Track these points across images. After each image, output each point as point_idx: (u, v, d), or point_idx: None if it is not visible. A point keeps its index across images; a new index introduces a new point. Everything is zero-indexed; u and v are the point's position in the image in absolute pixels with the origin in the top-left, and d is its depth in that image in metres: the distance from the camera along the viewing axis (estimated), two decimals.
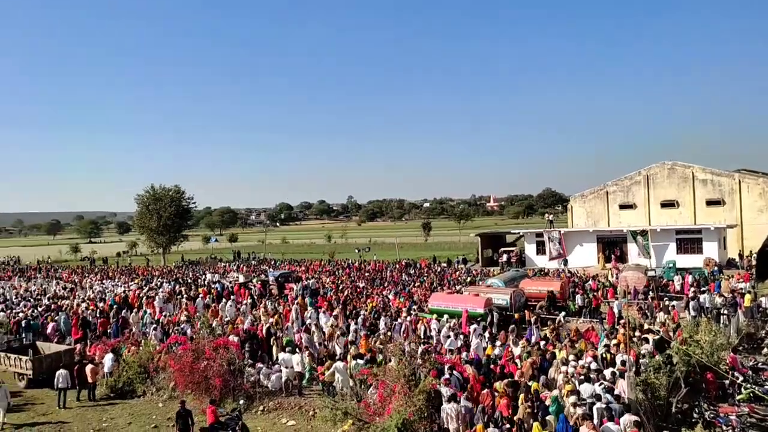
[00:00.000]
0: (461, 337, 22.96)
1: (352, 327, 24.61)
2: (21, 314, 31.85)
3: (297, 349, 21.41)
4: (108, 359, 22.32)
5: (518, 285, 31.75)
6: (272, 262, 68.26)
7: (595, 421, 13.08)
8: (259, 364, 21.28)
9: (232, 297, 34.26)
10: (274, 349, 23.04)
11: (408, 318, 25.91)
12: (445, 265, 57.45)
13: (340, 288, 39.93)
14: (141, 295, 37.48)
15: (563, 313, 27.31)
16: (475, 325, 23.98)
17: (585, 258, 50.56)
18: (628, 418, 12.70)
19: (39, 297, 41.48)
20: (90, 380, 21.30)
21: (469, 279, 42.79)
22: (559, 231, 52.10)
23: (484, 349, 20.82)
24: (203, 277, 52.14)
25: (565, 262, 49.59)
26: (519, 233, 61.21)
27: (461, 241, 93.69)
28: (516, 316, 26.30)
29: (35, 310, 33.26)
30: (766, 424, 14.05)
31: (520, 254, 55.24)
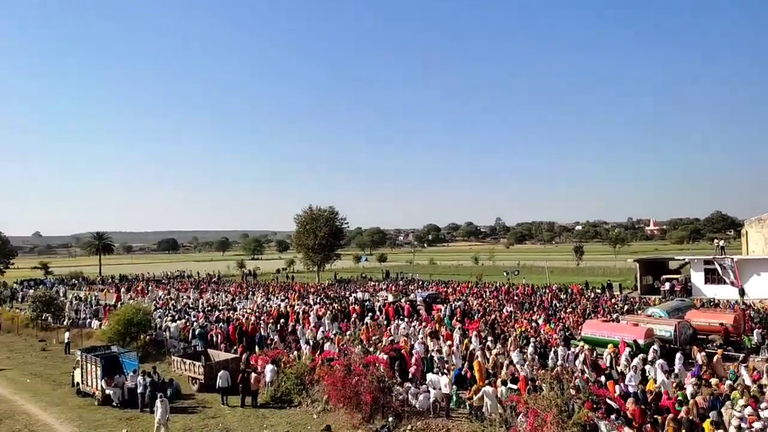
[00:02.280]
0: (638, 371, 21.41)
1: (515, 357, 23.90)
2: (195, 323, 35.15)
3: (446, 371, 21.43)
4: (269, 370, 23.87)
5: (684, 316, 29.27)
6: (420, 283, 69.07)
7: None
8: (407, 384, 21.58)
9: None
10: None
11: (586, 347, 24.61)
12: (599, 291, 54.50)
13: (488, 311, 39.36)
14: (297, 310, 39.72)
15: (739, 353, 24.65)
16: (636, 358, 22.38)
17: (764, 288, 45.37)
18: None
19: (209, 308, 45.40)
20: (253, 388, 22.99)
21: (626, 307, 40.21)
22: (732, 258, 47.36)
23: (644, 382, 19.40)
24: (354, 294, 54.01)
25: (742, 292, 44.86)
26: (684, 259, 56.46)
27: (616, 266, 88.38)
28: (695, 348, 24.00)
29: (206, 320, 36.51)
30: None
31: (686, 282, 50.89)
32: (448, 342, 27.37)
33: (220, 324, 34.53)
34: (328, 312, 37.21)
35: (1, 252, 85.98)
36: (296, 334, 31.65)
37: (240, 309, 44.32)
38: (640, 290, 53.28)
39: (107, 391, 23.77)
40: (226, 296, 56.58)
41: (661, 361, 21.71)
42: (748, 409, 14.97)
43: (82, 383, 25.31)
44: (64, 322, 43.03)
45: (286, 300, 49.55)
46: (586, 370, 21.06)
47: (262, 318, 36.18)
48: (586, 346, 24.45)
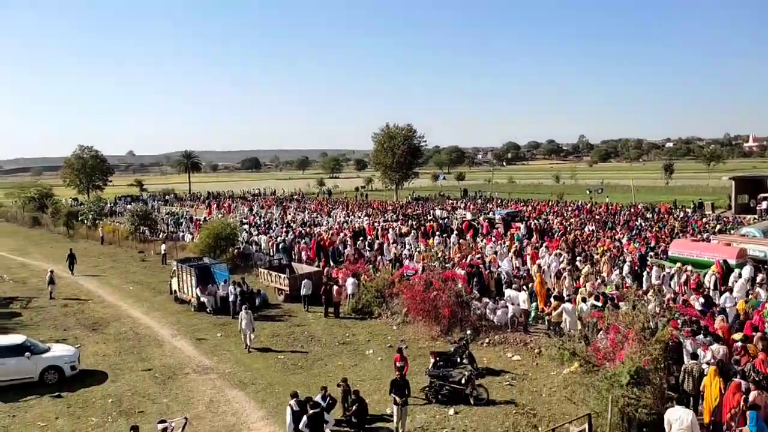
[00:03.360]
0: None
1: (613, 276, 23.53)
2: (279, 238, 36.59)
3: (524, 287, 21.46)
4: (350, 283, 24.69)
5: None
6: (499, 201, 68.31)
7: None
8: (486, 299, 21.80)
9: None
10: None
11: (689, 267, 23.73)
12: (689, 210, 52.05)
13: (568, 230, 38.60)
14: (377, 227, 40.46)
15: None
16: (741, 278, 21.44)
17: None
18: None
19: (291, 224, 46.97)
20: (335, 300, 23.94)
21: (718, 227, 38.36)
22: None
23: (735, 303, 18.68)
24: (432, 212, 54.21)
25: None
26: None
27: (710, 185, 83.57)
28: None
29: (289, 235, 37.89)
30: None
31: None
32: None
33: (304, 239, 35.76)
34: (409, 229, 37.72)
35: (99, 170, 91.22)
36: (375, 249, 32.36)
37: (322, 225, 45.61)
38: (735, 210, 50.57)
39: (202, 299, 25.43)
40: (308, 213, 58.26)
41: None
42: None
43: (179, 291, 27.16)
44: (160, 236, 45.87)
45: (367, 218, 50.39)
46: (683, 290, 20.45)
47: (343, 234, 37.11)
48: (689, 267, 23.54)
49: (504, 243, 32.87)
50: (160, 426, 11.50)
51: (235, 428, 14.58)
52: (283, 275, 27.09)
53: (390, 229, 38.32)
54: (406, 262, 28.11)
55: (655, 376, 13.26)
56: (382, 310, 23.65)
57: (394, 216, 50.89)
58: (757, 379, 11.93)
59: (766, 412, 11.12)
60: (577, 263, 26.11)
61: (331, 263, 30.35)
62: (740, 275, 21.61)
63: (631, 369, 12.53)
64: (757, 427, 10.60)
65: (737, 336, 14.70)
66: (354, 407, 13.79)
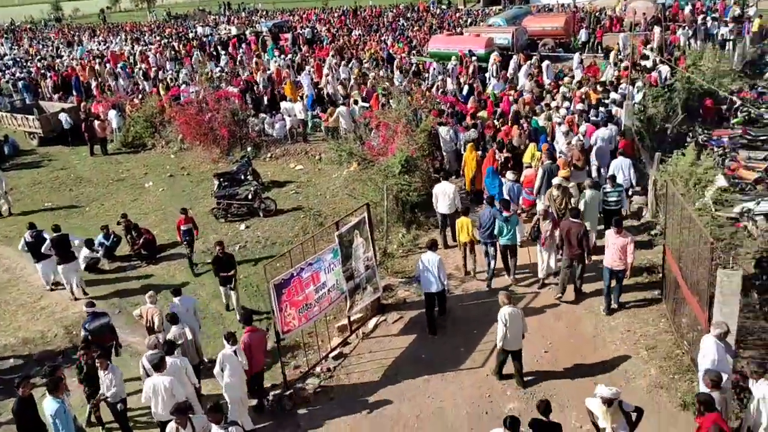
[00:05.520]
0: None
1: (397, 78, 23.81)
2: (17, 75, 31.53)
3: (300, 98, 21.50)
4: (113, 115, 22.61)
5: (521, 23, 30.51)
6: (264, 12, 65.03)
7: (582, 128, 14.20)
8: (263, 114, 21.57)
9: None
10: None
11: (474, 59, 24.59)
12: (444, 7, 54.59)
13: (336, 36, 38.60)
14: (133, 51, 36.58)
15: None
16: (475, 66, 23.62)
17: None
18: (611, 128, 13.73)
19: (29, 59, 40.47)
20: (100, 136, 21.90)
21: (470, 20, 41.07)
22: None
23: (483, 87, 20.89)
24: (194, 30, 50.13)
25: None
26: None
27: None
28: (521, 55, 25.32)
29: (29, 72, 32.81)
30: (757, 144, 14.55)
31: None
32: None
33: (48, 74, 31.21)
34: (168, 51, 34.62)
35: None
36: (134, 78, 29.48)
37: (66, 57, 39.95)
38: (483, 2, 53.91)
39: None
40: (48, 44, 50.31)
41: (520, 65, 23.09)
42: (565, 105, 16.67)
43: None
44: None
45: (121, 43, 44.99)
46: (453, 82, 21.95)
47: (101, 63, 33.00)
48: (474, 59, 24.66)
49: (283, 56, 31.67)
50: None
51: (10, 284, 13.60)
52: (31, 116, 23.77)
53: (149, 53, 34.90)
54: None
55: (423, 162, 14.75)
56: (155, 140, 22.31)
57: (151, 38, 46.19)
58: (498, 145, 14.02)
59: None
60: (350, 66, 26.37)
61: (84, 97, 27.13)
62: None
63: (401, 159, 13.71)
64: (491, 178, 12.89)
65: (482, 113, 16.75)
66: (141, 240, 13.46)
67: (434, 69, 24.39)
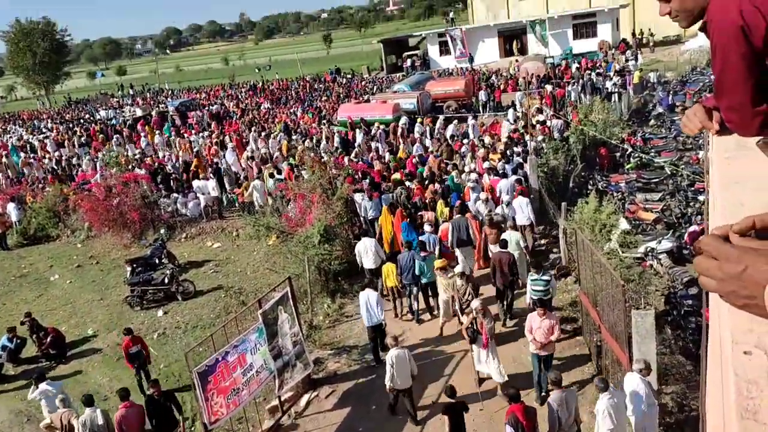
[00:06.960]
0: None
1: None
2: None
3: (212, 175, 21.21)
4: (12, 208, 21.42)
5: (424, 87, 31.90)
6: (170, 92, 64.66)
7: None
8: (175, 194, 21.09)
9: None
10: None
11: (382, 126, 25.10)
12: (350, 76, 56.36)
13: (245, 110, 38.86)
14: (33, 141, 35.20)
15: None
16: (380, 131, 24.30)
17: (488, 54, 50.80)
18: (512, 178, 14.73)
19: None
20: None
21: (375, 88, 42.51)
22: (461, 29, 51.38)
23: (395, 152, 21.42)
24: (97, 114, 49.03)
25: (471, 60, 49.54)
26: (421, 35, 59.92)
27: (364, 50, 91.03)
28: (427, 119, 26.30)
29: None
30: (651, 186, 15.67)
31: (424, 57, 54.69)
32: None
33: None
34: (74, 136, 33.58)
35: None
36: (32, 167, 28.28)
37: None
38: (386, 70, 56.19)
39: None
40: None
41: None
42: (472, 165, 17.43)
43: None
44: None
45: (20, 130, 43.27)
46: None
47: None
48: (382, 126, 25.25)
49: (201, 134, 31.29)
50: None
51: None
52: None
53: (48, 141, 33.68)
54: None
55: (342, 230, 14.80)
56: (60, 230, 21.24)
57: (50, 124, 44.71)
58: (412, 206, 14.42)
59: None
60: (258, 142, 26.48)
61: None
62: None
63: (320, 229, 13.70)
64: (407, 231, 13.25)
65: (396, 175, 17.15)
66: (48, 339, 12.59)
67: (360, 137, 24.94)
